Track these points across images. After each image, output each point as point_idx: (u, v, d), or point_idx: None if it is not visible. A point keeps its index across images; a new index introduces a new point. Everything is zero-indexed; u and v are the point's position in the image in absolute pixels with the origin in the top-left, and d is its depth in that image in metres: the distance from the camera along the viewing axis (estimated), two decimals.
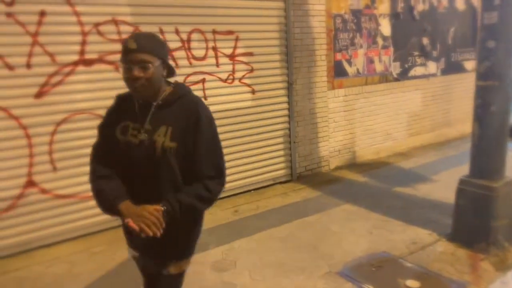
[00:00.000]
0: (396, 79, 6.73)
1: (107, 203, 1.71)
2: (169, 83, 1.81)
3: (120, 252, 3.74)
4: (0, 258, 3.63)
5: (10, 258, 3.66)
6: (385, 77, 6.62)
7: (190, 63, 4.55)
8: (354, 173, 5.85)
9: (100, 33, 3.97)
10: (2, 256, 3.66)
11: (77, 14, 3.83)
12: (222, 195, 4.81)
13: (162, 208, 1.63)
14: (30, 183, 3.77)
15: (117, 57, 4.06)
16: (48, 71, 3.76)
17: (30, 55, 3.65)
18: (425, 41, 7.12)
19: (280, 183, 5.51)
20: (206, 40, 4.63)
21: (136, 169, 1.72)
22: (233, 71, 4.89)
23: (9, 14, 3.52)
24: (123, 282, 3.26)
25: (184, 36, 4.48)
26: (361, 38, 6.21)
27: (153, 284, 1.92)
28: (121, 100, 1.84)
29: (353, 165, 6.26)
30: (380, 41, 6.48)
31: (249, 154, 5.15)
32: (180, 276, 1.90)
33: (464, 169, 3.62)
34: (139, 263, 1.98)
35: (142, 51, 1.61)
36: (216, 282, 3.20)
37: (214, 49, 4.70)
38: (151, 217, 1.59)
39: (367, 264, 3.34)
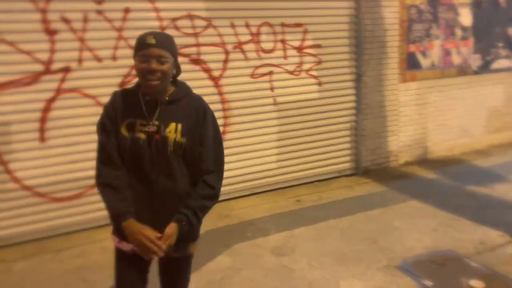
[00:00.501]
0: (476, 72, 6.33)
1: (112, 214, 1.81)
2: (173, 82, 1.87)
3: None
4: (89, 229, 4.10)
5: (97, 229, 4.11)
6: (463, 70, 6.26)
7: (259, 56, 4.71)
8: (425, 169, 5.65)
9: (176, 28, 4.27)
10: (91, 227, 4.12)
11: (156, 10, 4.15)
12: (284, 184, 4.98)
13: (168, 233, 1.74)
14: None
15: (192, 50, 4.37)
16: (131, 63, 4.12)
17: (115, 48, 4.04)
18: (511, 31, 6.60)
19: (345, 176, 5.50)
20: (274, 33, 4.75)
21: (147, 165, 1.76)
22: (301, 63, 4.96)
23: (99, 12, 3.93)
24: None
25: (254, 30, 4.64)
26: (437, 29, 5.93)
27: (176, 267, 1.99)
28: (121, 97, 1.83)
29: (424, 161, 6.03)
30: (458, 32, 6.14)
31: (313, 146, 5.21)
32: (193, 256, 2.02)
33: None
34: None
35: (160, 47, 1.70)
36: (275, 265, 3.34)
37: (283, 41, 4.81)
38: (150, 245, 1.70)
39: (429, 261, 3.28)
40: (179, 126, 1.76)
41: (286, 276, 3.18)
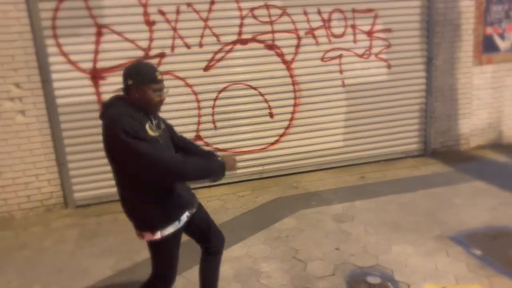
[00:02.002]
0: None
1: (212, 169, 2.21)
2: None
3: (260, 198, 4.59)
4: None
5: None
6: None
7: (329, 41, 5.04)
8: (496, 153, 5.61)
9: (254, 16, 4.76)
10: None
11: (237, 1, 4.67)
12: (350, 162, 5.31)
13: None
14: (198, 137, 4.87)
15: (267, 37, 4.84)
16: (214, 49, 4.72)
17: (202, 36, 4.65)
18: None
19: (412, 157, 5.66)
20: (345, 19, 5.04)
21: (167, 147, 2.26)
22: (370, 47, 5.20)
23: (188, 4, 4.55)
24: (260, 218, 4.08)
25: (325, 16, 4.98)
26: None
27: (201, 208, 2.45)
28: (130, 116, 2.05)
29: (498, 145, 5.95)
30: None
31: (381, 127, 5.45)
32: None
33: None
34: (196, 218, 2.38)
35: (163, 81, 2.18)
36: (335, 229, 3.75)
37: (353, 26, 5.08)
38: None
39: (482, 234, 3.46)
40: (164, 126, 2.33)
41: (343, 238, 3.59)
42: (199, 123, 4.84)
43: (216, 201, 4.59)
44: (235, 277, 3.11)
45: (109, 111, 2.08)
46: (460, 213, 3.90)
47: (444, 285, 2.86)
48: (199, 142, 4.86)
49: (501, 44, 5.80)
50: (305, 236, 3.67)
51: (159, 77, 2.14)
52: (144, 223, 2.18)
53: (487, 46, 5.74)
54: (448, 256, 3.19)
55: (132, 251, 3.51)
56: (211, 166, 2.23)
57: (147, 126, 2.09)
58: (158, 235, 2.15)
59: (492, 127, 5.98)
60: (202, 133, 4.87)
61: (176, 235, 2.22)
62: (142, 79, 2.09)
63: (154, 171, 2.00)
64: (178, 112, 4.71)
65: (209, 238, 2.47)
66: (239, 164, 4.96)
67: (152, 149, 2.01)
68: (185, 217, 2.24)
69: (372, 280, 2.96)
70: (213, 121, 4.88)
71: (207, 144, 4.90)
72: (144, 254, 2.87)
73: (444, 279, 2.92)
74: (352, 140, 5.40)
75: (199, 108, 4.81)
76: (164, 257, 2.26)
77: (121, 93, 2.19)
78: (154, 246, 2.23)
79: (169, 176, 2.07)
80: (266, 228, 3.87)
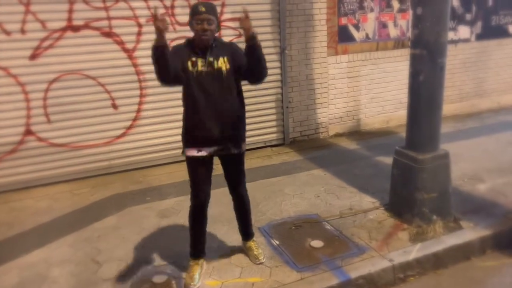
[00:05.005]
0: None
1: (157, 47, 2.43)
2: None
3: (96, 195, 4.35)
4: (1, 193, 4.45)
5: (11, 192, 4.45)
6: (401, 43, 6.30)
7: (174, 29, 4.87)
8: (350, 141, 5.82)
9: (85, 2, 4.45)
10: (5, 190, 4.47)
11: None
12: None
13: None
14: (29, 132, 4.50)
15: (104, 24, 4.56)
16: (40, 36, 4.35)
17: (23, 22, 4.26)
18: (456, 2, 6.55)
19: (272, 146, 5.71)
20: (190, 7, 4.87)
21: (209, 87, 2.59)
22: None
23: None
24: (83, 217, 3.85)
25: (168, 3, 4.79)
26: (372, 1, 5.96)
27: (234, 162, 2.83)
28: (180, 47, 2.64)
29: (356, 132, 6.19)
30: (395, 4, 6.15)
31: None
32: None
33: (473, 143, 3.48)
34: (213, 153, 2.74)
35: (208, 13, 2.51)
36: (153, 226, 3.63)
37: None
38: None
39: (290, 223, 3.52)
40: (226, 58, 2.62)
41: (157, 235, 3.48)
42: (28, 116, 4.47)
43: (46, 200, 4.28)
44: (16, 286, 2.88)
45: None
46: (283, 202, 3.95)
47: (227, 279, 2.84)
48: (30, 137, 4.51)
49: (356, 34, 5.99)
50: (117, 235, 3.51)
51: (201, 9, 2.49)
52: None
53: (342, 36, 5.89)
54: None
55: None
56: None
57: (188, 62, 2.57)
58: (185, 152, 2.72)
59: (349, 116, 6.20)
60: (33, 128, 4.51)
61: (196, 160, 2.70)
62: (190, 14, 2.57)
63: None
64: (0, 105, 4.31)
65: (232, 186, 2.95)
66: (82, 160, 4.75)
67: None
68: (204, 152, 2.68)
69: (158, 279, 2.87)
70: (46, 114, 4.53)
71: (40, 139, 4.55)
72: None
73: (229, 273, 2.90)
74: None
75: (27, 100, 4.43)
76: (189, 173, 2.77)
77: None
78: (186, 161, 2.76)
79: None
80: (82, 228, 3.66)
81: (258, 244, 3.12)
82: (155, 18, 2.31)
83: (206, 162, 2.74)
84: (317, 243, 3.16)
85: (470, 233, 3.20)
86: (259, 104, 5.52)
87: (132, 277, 2.91)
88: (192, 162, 2.73)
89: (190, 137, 2.70)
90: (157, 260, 3.09)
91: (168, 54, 2.43)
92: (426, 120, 3.18)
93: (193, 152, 2.69)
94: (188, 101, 2.66)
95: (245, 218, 3.07)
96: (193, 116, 2.66)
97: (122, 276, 2.92)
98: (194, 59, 2.58)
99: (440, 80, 3.11)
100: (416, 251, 3.00)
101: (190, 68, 2.58)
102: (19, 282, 2.93)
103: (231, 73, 2.64)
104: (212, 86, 2.60)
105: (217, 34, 2.75)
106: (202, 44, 2.57)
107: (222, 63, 2.61)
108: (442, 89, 3.17)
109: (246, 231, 3.10)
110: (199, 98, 2.61)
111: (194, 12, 2.53)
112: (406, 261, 2.92)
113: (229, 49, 2.68)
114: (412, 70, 3.16)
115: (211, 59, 2.59)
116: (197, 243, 2.90)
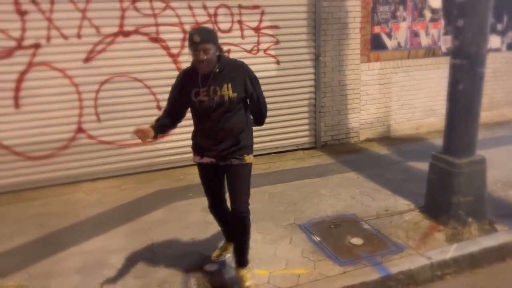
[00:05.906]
0: (445, 54, 6.47)
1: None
2: (218, 57, 2.56)
3: (141, 191, 4.63)
4: (55, 185, 4.77)
5: (62, 186, 4.77)
6: (432, 51, 6.44)
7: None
8: (381, 146, 5.97)
9: (136, 9, 4.75)
10: (58, 183, 4.79)
11: None
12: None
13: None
14: (80, 130, 4.81)
15: (152, 30, 4.85)
16: (94, 40, 4.67)
17: (80, 27, 4.58)
18: None
19: (304, 149, 5.91)
20: (232, 14, 5.14)
21: (211, 116, 2.58)
22: (258, 43, 5.35)
23: None
24: (132, 210, 4.12)
25: (211, 11, 5.06)
26: (404, 11, 6.12)
27: (236, 173, 2.71)
28: (186, 74, 2.66)
29: (386, 138, 6.34)
30: (428, 14, 6.29)
31: (272, 120, 5.60)
32: (251, 166, 2.80)
33: (504, 150, 3.59)
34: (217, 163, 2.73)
35: (204, 42, 2.41)
36: (199, 220, 3.87)
37: (240, 22, 5.20)
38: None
39: (330, 222, 3.70)
40: (229, 85, 2.55)
41: (203, 228, 3.71)
42: (80, 115, 4.79)
43: (96, 194, 4.58)
44: (79, 270, 3.14)
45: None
46: (320, 202, 4.14)
47: (274, 270, 3.04)
48: (81, 135, 4.82)
49: (389, 43, 6.15)
50: (167, 228, 3.76)
51: (195, 39, 2.40)
52: None
53: (375, 44, 6.07)
54: (290, 243, 3.40)
55: None
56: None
57: (192, 92, 2.57)
58: (194, 159, 2.81)
59: (380, 121, 6.35)
60: (84, 126, 4.82)
61: (201, 165, 2.80)
62: (188, 44, 2.48)
63: None
64: (56, 104, 4.64)
65: (231, 198, 2.75)
66: (127, 157, 5.03)
67: (169, 96, 2.74)
68: (206, 159, 2.72)
69: (210, 267, 3.09)
70: (96, 113, 4.84)
71: (90, 137, 4.86)
72: None
73: (276, 265, 3.11)
74: None
75: (80, 100, 4.75)
76: (200, 178, 2.90)
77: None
78: None
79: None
80: (133, 221, 3.92)
81: (252, 275, 2.88)
82: (136, 134, 2.56)
83: (211, 168, 2.75)
84: (357, 241, 3.34)
85: (504, 235, 3.33)
86: (293, 108, 5.73)
87: (186, 265, 3.14)
88: (198, 167, 2.85)
89: (194, 144, 2.78)
90: (207, 251, 3.32)
91: (169, 113, 2.75)
92: (464, 127, 3.33)
93: (197, 159, 2.79)
94: (193, 116, 2.72)
95: (240, 241, 2.84)
96: (196, 129, 2.75)
97: (176, 264, 3.16)
98: (197, 89, 2.57)
99: (479, 89, 3.25)
100: (453, 251, 3.15)
101: (193, 98, 2.58)
102: (82, 266, 3.20)
103: (235, 98, 2.57)
104: (214, 113, 2.58)
105: (225, 53, 2.88)
106: (203, 72, 2.54)
107: (225, 91, 2.54)
108: (481, 97, 3.30)
109: (239, 258, 2.87)
110: (201, 121, 2.66)
111: (189, 42, 2.44)
112: (444, 260, 3.08)
113: (236, 73, 2.60)
114: (452, 79, 3.32)
115: (213, 87, 2.55)
116: (222, 230, 3.21)
